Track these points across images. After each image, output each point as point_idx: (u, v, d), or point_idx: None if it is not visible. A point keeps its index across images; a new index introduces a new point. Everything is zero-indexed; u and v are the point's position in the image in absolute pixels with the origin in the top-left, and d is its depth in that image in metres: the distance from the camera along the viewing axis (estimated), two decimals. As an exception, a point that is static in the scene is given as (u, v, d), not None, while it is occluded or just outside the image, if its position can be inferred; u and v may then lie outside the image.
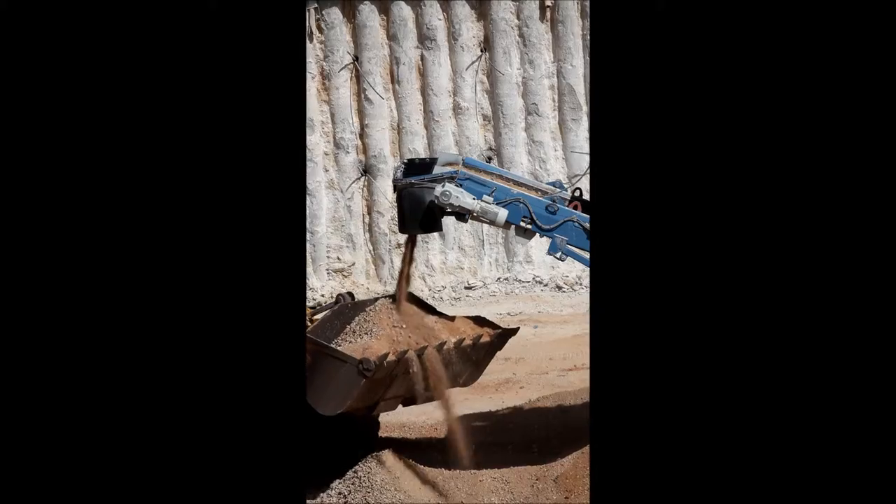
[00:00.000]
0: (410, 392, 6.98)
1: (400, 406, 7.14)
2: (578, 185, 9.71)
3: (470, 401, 9.19)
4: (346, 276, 12.90)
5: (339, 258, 12.97)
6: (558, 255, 6.78)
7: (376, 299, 7.17)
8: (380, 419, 7.56)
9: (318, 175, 12.88)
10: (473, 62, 12.74)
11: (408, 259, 7.20)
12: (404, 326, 6.97)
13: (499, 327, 7.30)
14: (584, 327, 10.62)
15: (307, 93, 12.72)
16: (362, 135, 12.88)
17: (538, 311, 12.13)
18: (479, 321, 7.27)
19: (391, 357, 6.64)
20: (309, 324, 7.05)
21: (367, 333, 6.90)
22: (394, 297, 7.14)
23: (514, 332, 7.33)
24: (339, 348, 6.75)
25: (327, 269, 12.92)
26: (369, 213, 12.95)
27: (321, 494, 7.02)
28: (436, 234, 12.19)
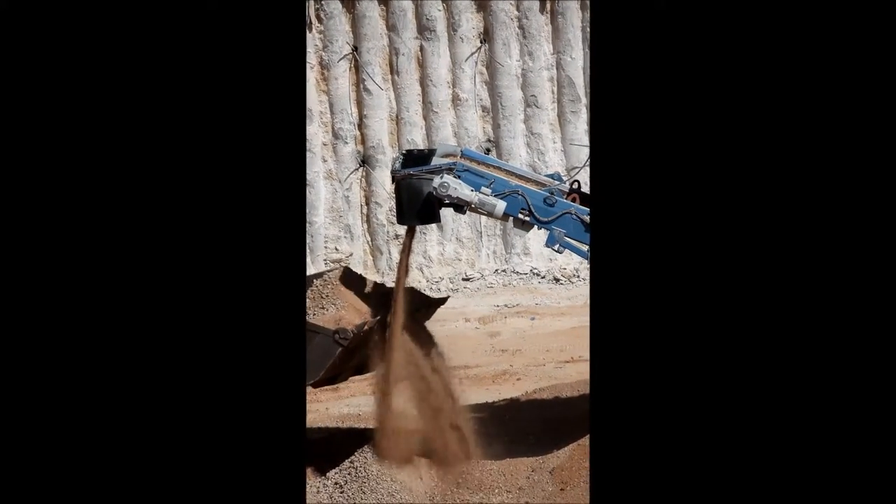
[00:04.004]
0: (362, 362, 7.19)
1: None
2: (577, 177, 9.72)
3: (466, 392, 9.20)
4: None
5: (336, 248, 12.97)
6: (556, 247, 6.78)
7: (320, 274, 7.30)
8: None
9: (317, 165, 12.88)
10: (473, 53, 12.73)
11: (406, 250, 7.21)
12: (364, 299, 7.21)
13: (429, 298, 7.57)
14: (581, 319, 10.63)
15: (306, 83, 12.70)
16: (361, 125, 12.87)
17: (535, 303, 12.13)
18: (412, 292, 7.45)
19: (366, 326, 6.82)
20: None
21: (332, 305, 6.98)
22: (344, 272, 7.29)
23: (442, 301, 7.51)
24: (311, 320, 6.89)
25: (325, 260, 12.91)
26: (367, 204, 12.95)
27: (317, 484, 7.03)
28: (434, 226, 12.19)
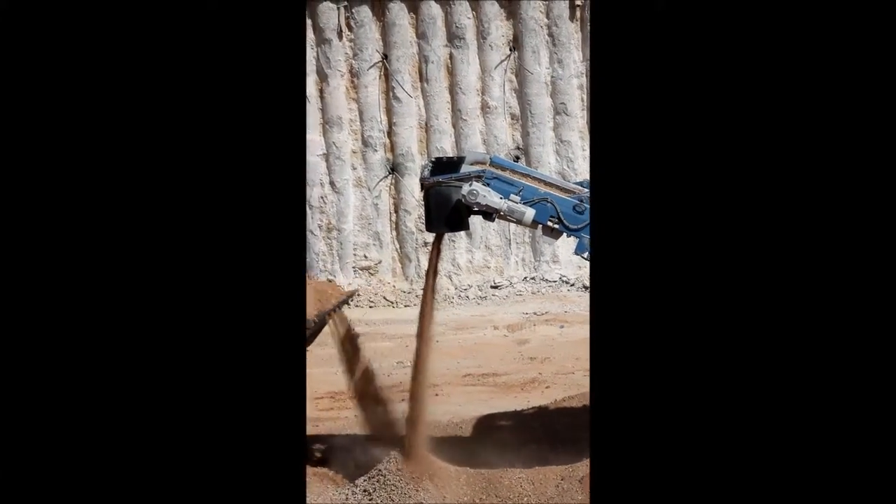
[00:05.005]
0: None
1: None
2: (606, 185, 9.68)
3: (495, 399, 9.20)
4: (372, 274, 12.92)
5: (365, 256, 12.99)
6: (585, 255, 6.77)
7: None
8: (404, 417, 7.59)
9: (346, 173, 12.90)
10: (502, 61, 12.73)
11: (435, 258, 7.21)
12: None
13: (343, 291, 7.93)
14: (610, 327, 10.59)
15: (336, 90, 12.74)
16: (390, 133, 12.88)
17: (564, 310, 12.12)
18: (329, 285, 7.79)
19: (326, 316, 7.07)
20: None
21: None
22: None
23: (352, 293, 7.90)
24: None
25: (354, 267, 12.93)
26: (396, 212, 12.96)
27: (346, 491, 7.03)
28: (462, 233, 12.18)
